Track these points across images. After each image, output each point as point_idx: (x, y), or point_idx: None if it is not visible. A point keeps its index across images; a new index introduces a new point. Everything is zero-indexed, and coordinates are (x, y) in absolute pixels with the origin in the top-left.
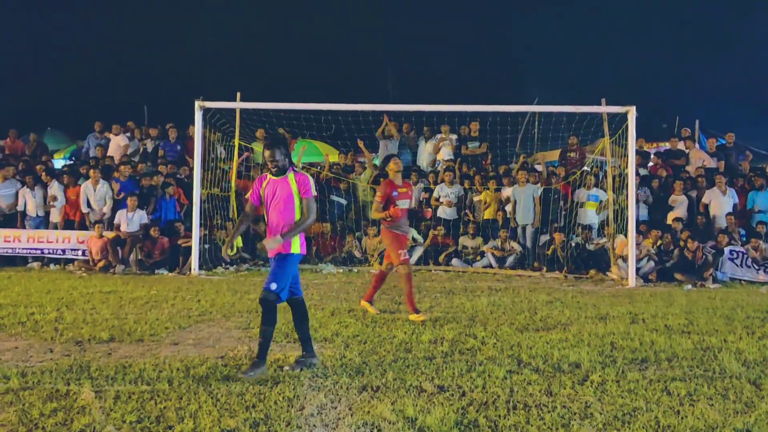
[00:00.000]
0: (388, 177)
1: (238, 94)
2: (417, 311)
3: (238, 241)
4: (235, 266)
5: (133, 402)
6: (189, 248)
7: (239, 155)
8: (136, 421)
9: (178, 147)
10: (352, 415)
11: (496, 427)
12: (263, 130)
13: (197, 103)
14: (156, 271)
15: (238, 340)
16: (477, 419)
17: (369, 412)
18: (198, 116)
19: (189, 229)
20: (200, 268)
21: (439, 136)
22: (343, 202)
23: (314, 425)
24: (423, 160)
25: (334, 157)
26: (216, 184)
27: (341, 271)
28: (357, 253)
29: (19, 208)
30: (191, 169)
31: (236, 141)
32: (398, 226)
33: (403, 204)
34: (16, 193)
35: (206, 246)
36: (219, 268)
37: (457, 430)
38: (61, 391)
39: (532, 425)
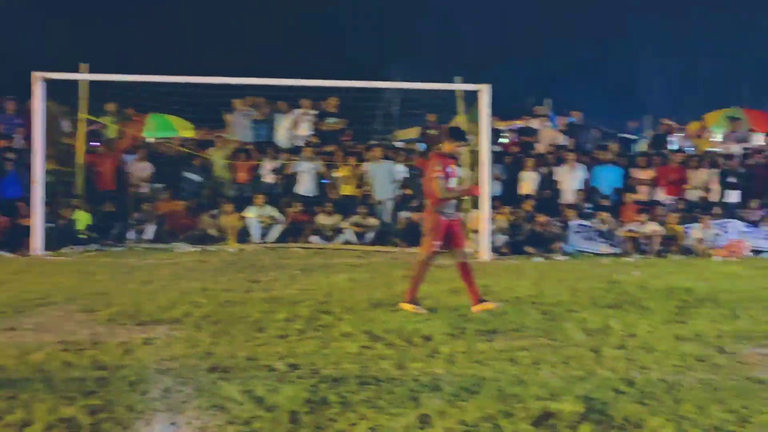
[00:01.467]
0: (439, 150)
1: (83, 66)
2: (416, 303)
3: (88, 218)
4: (83, 247)
5: None
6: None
7: (91, 131)
8: None
9: (16, 120)
10: (198, 398)
11: (346, 402)
12: (113, 104)
13: (35, 75)
14: None
15: (81, 324)
16: (327, 396)
17: (216, 393)
18: (38, 88)
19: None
20: (45, 248)
21: (298, 110)
22: (198, 178)
23: (158, 409)
24: (281, 135)
25: (187, 132)
26: (61, 159)
27: (196, 249)
28: (212, 231)
29: None
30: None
31: (82, 115)
32: (446, 210)
33: (454, 183)
34: None
35: (51, 225)
36: (66, 248)
37: (307, 407)
38: None
39: (382, 399)
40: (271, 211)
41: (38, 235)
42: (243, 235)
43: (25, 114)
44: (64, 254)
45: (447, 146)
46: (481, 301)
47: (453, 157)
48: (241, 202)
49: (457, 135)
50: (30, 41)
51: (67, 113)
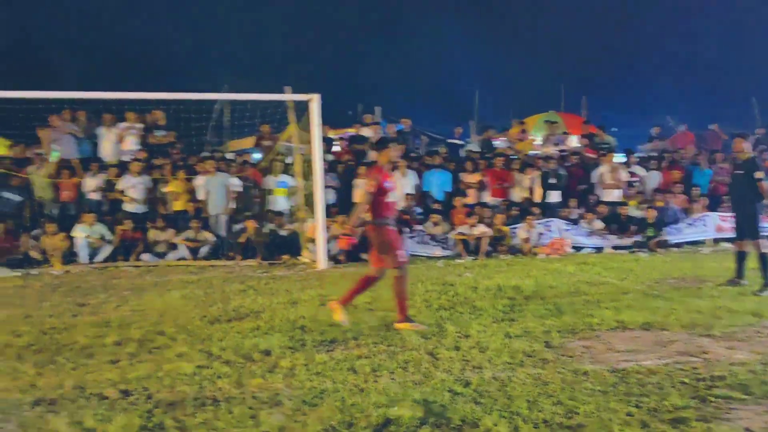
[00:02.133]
0: (379, 164)
1: None
2: (410, 320)
3: None
4: None
5: None
6: None
7: None
8: None
9: None
10: None
11: (184, 427)
12: None
13: None
14: None
15: None
16: (163, 421)
17: (42, 428)
18: None
19: None
20: None
21: (123, 124)
22: (17, 198)
23: None
24: (105, 150)
25: (2, 149)
26: None
27: (17, 274)
28: (35, 254)
29: None
30: None
31: None
32: (391, 222)
33: (393, 197)
34: None
35: None
36: None
37: None
38: None
39: (220, 420)
40: (100, 229)
41: None
42: (69, 257)
43: None
44: None
45: (382, 158)
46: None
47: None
48: (66, 222)
49: (383, 144)
50: None
51: None
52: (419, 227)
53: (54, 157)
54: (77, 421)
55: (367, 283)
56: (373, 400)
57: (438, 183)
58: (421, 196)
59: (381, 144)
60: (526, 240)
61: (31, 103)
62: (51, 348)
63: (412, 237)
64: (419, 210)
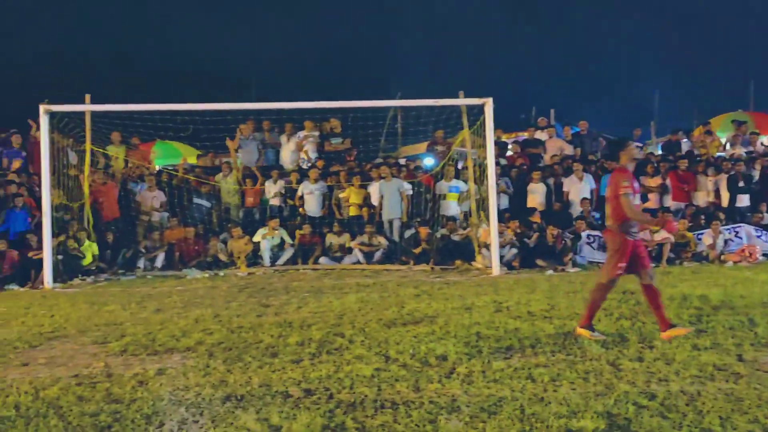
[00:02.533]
0: (621, 165)
1: (87, 96)
2: (592, 329)
3: (94, 249)
4: (92, 277)
5: None
6: (41, 260)
7: (91, 160)
8: None
9: (23, 154)
10: (214, 428)
11: (364, 428)
12: (118, 133)
13: (42, 107)
14: (5, 287)
15: (93, 356)
16: (344, 421)
17: (232, 423)
18: (44, 121)
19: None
20: (54, 281)
21: (301, 133)
22: (207, 204)
23: None
24: (286, 158)
25: (192, 158)
26: (68, 191)
27: (206, 275)
28: (222, 257)
29: None
30: (39, 177)
31: (87, 146)
32: (632, 230)
33: (638, 199)
34: None
35: (60, 257)
36: (75, 279)
37: None
38: None
39: (399, 423)
40: (281, 234)
41: (48, 267)
42: (253, 259)
43: (31, 147)
44: (74, 286)
45: (624, 158)
46: (671, 326)
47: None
48: (251, 226)
49: (622, 143)
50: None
51: (72, 145)
52: (597, 233)
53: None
54: (264, 417)
55: (602, 291)
56: (553, 410)
57: None
58: (598, 201)
59: (620, 144)
60: (712, 246)
61: (219, 114)
62: (239, 346)
63: (589, 243)
64: (597, 215)
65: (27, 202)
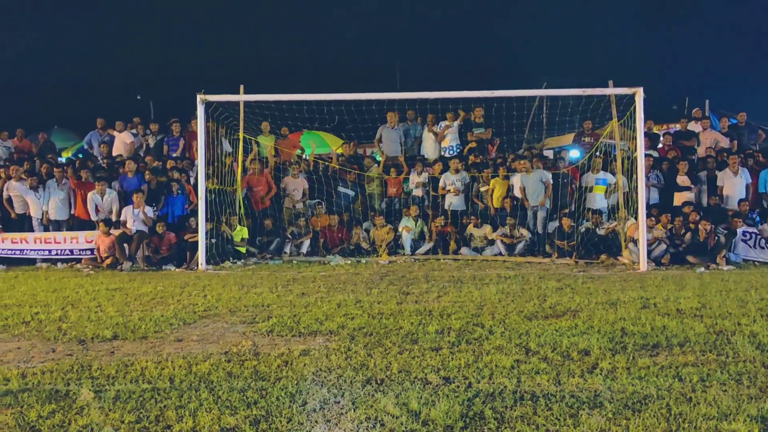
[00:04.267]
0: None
1: (241, 87)
2: None
3: (244, 233)
4: (242, 261)
5: (133, 401)
6: (196, 243)
7: (244, 149)
8: (135, 421)
9: (182, 142)
10: (355, 410)
11: (503, 419)
12: (268, 123)
13: (199, 97)
14: (163, 267)
15: (242, 335)
16: (483, 411)
17: (372, 405)
18: (200, 110)
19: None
20: (207, 262)
21: (443, 123)
22: (351, 193)
23: (316, 421)
24: (428, 148)
25: (341, 147)
26: (221, 178)
27: (349, 262)
28: (364, 244)
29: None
30: (194, 164)
31: (240, 134)
32: None
33: None
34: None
35: (213, 240)
36: (227, 262)
37: (462, 422)
38: (61, 392)
39: (539, 416)
40: (421, 224)
41: (202, 250)
42: (394, 248)
43: (188, 135)
44: (226, 268)
45: None
46: None
47: None
48: (392, 216)
49: None
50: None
51: (226, 133)
52: (753, 230)
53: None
54: (403, 402)
55: None
56: (702, 411)
57: None
58: (755, 197)
59: None
60: None
61: (363, 104)
62: (379, 331)
63: (744, 240)
64: (755, 211)
65: (187, 188)
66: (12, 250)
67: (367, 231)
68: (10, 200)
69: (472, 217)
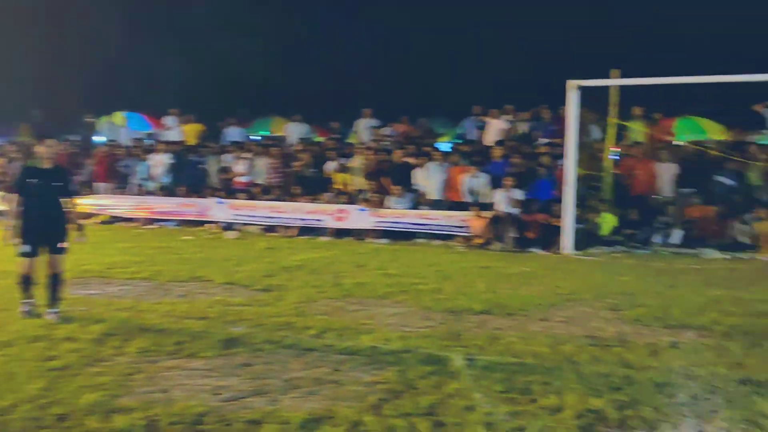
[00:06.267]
0: None
1: (613, 72)
2: None
3: (613, 220)
4: (609, 247)
5: (500, 372)
6: (561, 227)
7: (616, 135)
8: (503, 391)
9: (554, 127)
10: (728, 409)
11: None
12: (641, 108)
13: (570, 83)
14: (529, 249)
15: (607, 321)
16: None
17: (749, 407)
18: (571, 96)
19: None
20: (574, 248)
21: None
22: (731, 183)
23: (685, 414)
24: None
25: (720, 135)
26: (590, 164)
27: (726, 257)
28: (744, 239)
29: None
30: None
31: (610, 119)
32: None
33: None
34: None
35: (579, 226)
36: (592, 248)
37: None
38: (436, 356)
39: None
40: None
41: (568, 234)
42: None
43: (558, 121)
44: (591, 254)
45: None
46: None
47: None
48: None
49: None
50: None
51: (597, 119)
52: None
53: None
54: None
55: None
56: None
57: None
58: None
59: None
60: None
61: (747, 87)
62: (757, 331)
63: None
64: None
65: (557, 173)
66: (393, 222)
67: (747, 224)
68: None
69: None
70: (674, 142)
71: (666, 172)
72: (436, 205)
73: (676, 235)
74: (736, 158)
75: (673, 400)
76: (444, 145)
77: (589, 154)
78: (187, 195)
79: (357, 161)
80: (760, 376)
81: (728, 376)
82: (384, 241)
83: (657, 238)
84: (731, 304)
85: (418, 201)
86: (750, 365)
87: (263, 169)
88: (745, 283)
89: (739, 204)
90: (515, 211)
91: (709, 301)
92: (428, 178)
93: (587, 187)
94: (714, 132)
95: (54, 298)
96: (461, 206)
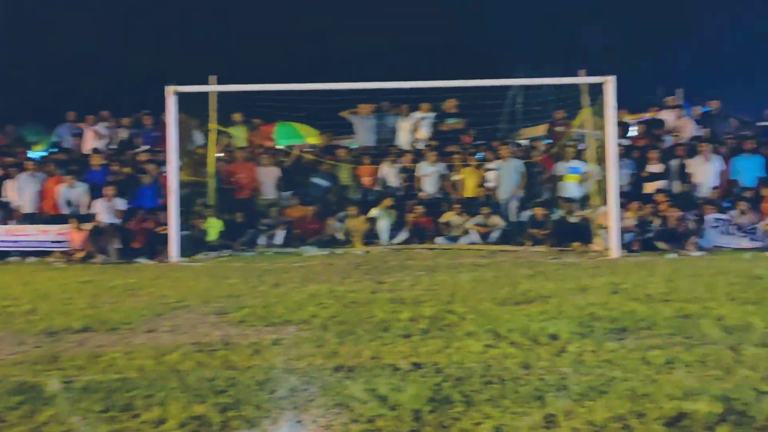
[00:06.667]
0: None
1: (211, 78)
2: None
3: (219, 225)
4: (216, 252)
5: (101, 392)
6: (167, 235)
7: (216, 140)
8: (103, 411)
9: (155, 134)
10: (323, 396)
11: (471, 402)
12: (241, 114)
13: (168, 89)
14: (135, 260)
15: (213, 326)
16: (451, 394)
17: (341, 392)
18: (170, 102)
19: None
20: (181, 255)
21: (417, 114)
22: (325, 183)
23: (284, 408)
24: (402, 138)
25: (313, 138)
26: (193, 170)
27: (324, 253)
28: (339, 235)
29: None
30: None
31: (211, 125)
32: None
33: None
34: None
35: (186, 233)
36: (199, 254)
37: (430, 406)
38: (29, 383)
39: (506, 398)
40: (394, 213)
41: (174, 242)
42: (369, 238)
43: (161, 127)
44: (198, 260)
45: None
46: None
47: None
48: (367, 206)
49: None
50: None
51: (199, 125)
52: (724, 216)
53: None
54: (371, 388)
55: None
56: (666, 391)
57: (750, 169)
58: (726, 183)
59: None
60: None
61: (338, 94)
62: (352, 320)
63: (714, 227)
64: (725, 198)
65: (160, 180)
66: None
67: (341, 221)
68: None
69: (455, 205)
70: (275, 147)
71: (268, 176)
72: (29, 219)
73: (279, 236)
74: (328, 161)
75: (273, 396)
76: (37, 154)
77: (193, 160)
78: None
79: None
80: (352, 362)
81: (324, 365)
82: None
83: (262, 240)
84: (328, 297)
85: (9, 216)
86: (343, 353)
87: None
88: (341, 276)
89: (334, 203)
90: (118, 221)
91: (309, 296)
92: (20, 190)
93: (192, 193)
94: (310, 136)
95: None
96: (59, 219)
